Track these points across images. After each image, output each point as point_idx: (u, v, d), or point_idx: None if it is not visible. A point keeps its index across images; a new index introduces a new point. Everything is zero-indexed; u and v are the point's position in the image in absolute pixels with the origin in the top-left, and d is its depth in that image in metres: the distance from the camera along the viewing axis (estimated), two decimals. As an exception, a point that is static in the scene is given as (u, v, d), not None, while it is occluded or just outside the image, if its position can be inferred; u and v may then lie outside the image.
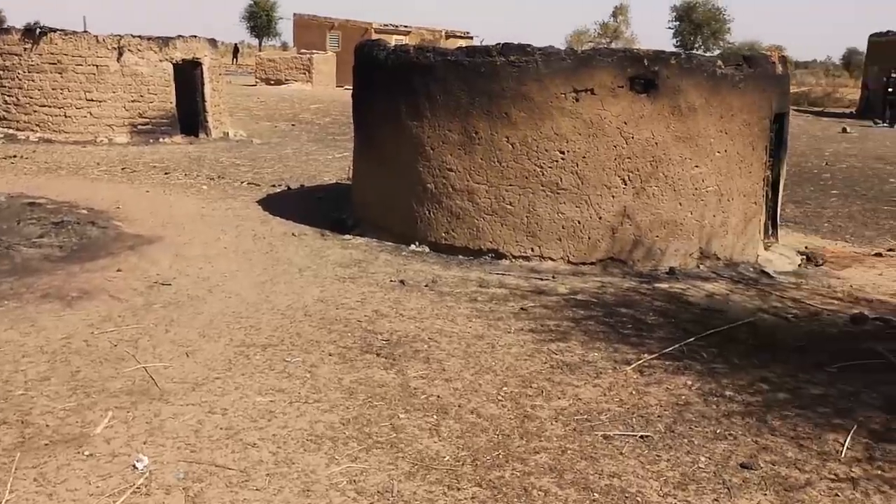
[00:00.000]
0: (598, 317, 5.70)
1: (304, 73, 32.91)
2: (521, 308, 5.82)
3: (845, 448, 3.82)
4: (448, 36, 38.41)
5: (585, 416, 4.09)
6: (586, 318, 5.64)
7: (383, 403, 4.16)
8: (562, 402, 4.25)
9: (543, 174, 6.92)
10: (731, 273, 7.18)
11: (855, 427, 4.03)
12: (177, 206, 9.39)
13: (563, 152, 6.87)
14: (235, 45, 64.56)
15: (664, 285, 6.63)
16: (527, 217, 6.99)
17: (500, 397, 4.29)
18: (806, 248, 8.77)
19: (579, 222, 6.95)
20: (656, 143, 6.88)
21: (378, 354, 4.83)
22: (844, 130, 22.53)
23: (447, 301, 5.95)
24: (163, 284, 6.11)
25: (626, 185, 6.92)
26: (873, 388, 4.56)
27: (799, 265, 7.87)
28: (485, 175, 7.04)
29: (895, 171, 15.22)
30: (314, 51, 35.22)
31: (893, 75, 24.96)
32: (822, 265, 7.92)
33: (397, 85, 7.42)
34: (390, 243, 7.61)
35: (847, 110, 33.08)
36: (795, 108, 30.01)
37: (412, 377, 4.51)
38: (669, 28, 67.31)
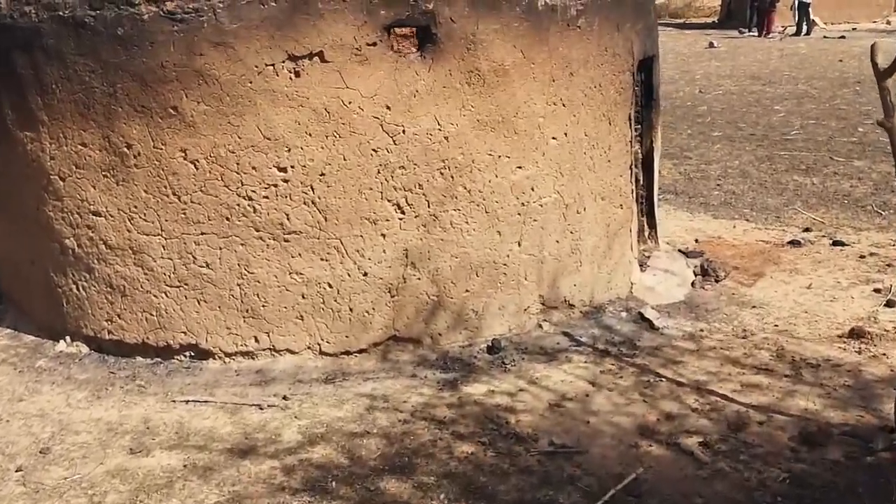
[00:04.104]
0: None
1: None
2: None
3: None
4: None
5: None
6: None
7: None
8: None
9: (256, 210, 3.90)
10: (594, 331, 4.43)
11: None
12: None
13: (283, 169, 3.87)
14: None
15: (479, 388, 3.81)
16: (239, 285, 3.99)
17: None
18: (697, 242, 6.15)
19: (330, 285, 4.01)
20: (447, 138, 3.96)
21: None
22: (711, 45, 20.36)
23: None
24: None
25: (403, 213, 4.00)
26: None
27: (693, 284, 5.23)
28: (156, 219, 3.96)
29: (776, 94, 12.97)
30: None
31: (758, -21, 22.89)
32: (724, 279, 5.30)
33: (-7, 67, 4.17)
34: (32, 338, 4.47)
35: (709, 20, 31.29)
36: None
37: None
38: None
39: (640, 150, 5.40)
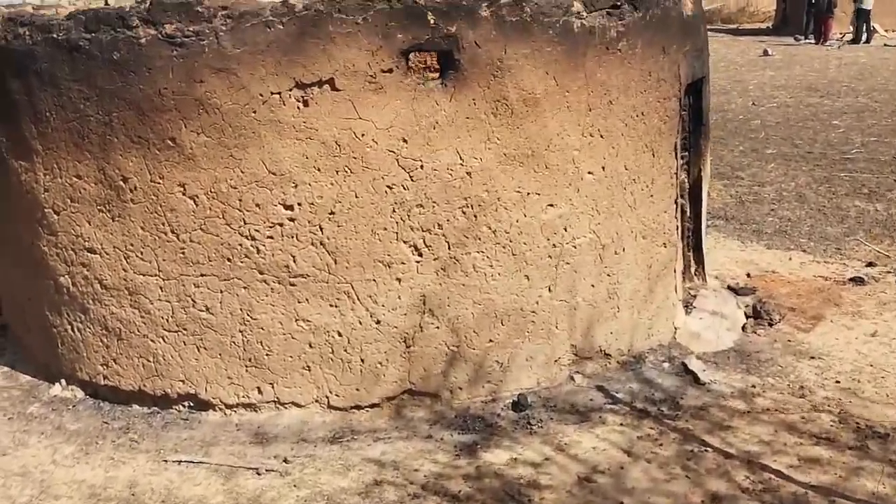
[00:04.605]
0: None
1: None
2: None
3: None
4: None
5: None
6: None
7: None
8: None
9: (260, 251, 3.57)
10: (632, 385, 4.00)
11: None
12: None
13: (289, 207, 3.52)
14: None
15: (501, 455, 3.42)
16: (241, 331, 3.66)
17: None
18: (748, 276, 5.67)
19: (340, 333, 3.65)
20: (469, 173, 3.58)
21: None
22: (766, 53, 19.62)
23: None
24: None
25: (420, 256, 3.62)
26: None
27: (744, 328, 4.76)
28: (153, 258, 3.65)
29: (835, 108, 12.31)
30: None
31: (816, -15, 22.02)
32: (778, 322, 4.83)
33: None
34: (28, 378, 4.20)
35: (763, 25, 30.39)
36: (709, 27, 27.15)
37: None
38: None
39: (686, 180, 4.96)
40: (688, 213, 4.98)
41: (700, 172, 4.95)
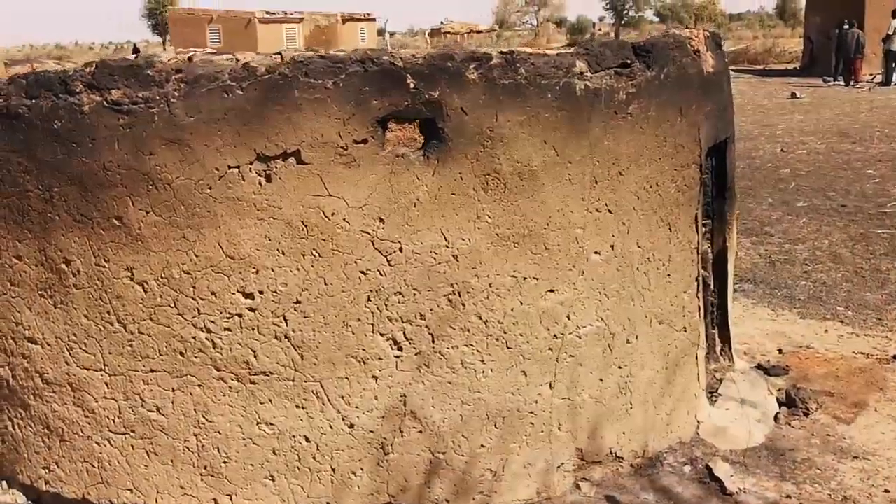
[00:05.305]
0: None
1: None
2: None
3: None
4: (345, 20, 34.01)
5: None
6: None
7: None
8: None
9: (216, 344, 3.12)
10: (647, 496, 3.48)
11: None
12: None
13: (249, 295, 3.08)
14: (135, 44, 60.14)
15: (490, 591, 2.91)
16: (195, 435, 3.20)
17: None
18: (780, 353, 5.14)
19: (308, 439, 3.18)
20: (456, 256, 3.12)
21: None
22: (794, 96, 19.13)
23: None
24: None
25: (400, 350, 3.16)
26: None
27: (776, 418, 4.23)
28: (98, 351, 3.22)
29: (868, 155, 11.77)
30: (193, 48, 30.81)
31: (845, 27, 21.52)
32: (815, 411, 4.29)
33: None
34: (-30, 477, 3.77)
35: (790, 66, 29.99)
36: (735, 68, 26.73)
37: None
38: (597, -10, 64.00)
39: (709, 250, 4.47)
40: (711, 287, 4.49)
41: (725, 242, 4.47)
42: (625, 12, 64.01)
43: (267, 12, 31.36)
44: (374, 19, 37.05)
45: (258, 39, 31.01)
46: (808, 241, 7.57)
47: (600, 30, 70.26)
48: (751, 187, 9.84)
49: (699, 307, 4.00)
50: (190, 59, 2.96)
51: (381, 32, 42.49)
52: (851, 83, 21.25)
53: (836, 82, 21.88)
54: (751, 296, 6.21)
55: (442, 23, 75.07)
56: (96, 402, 3.27)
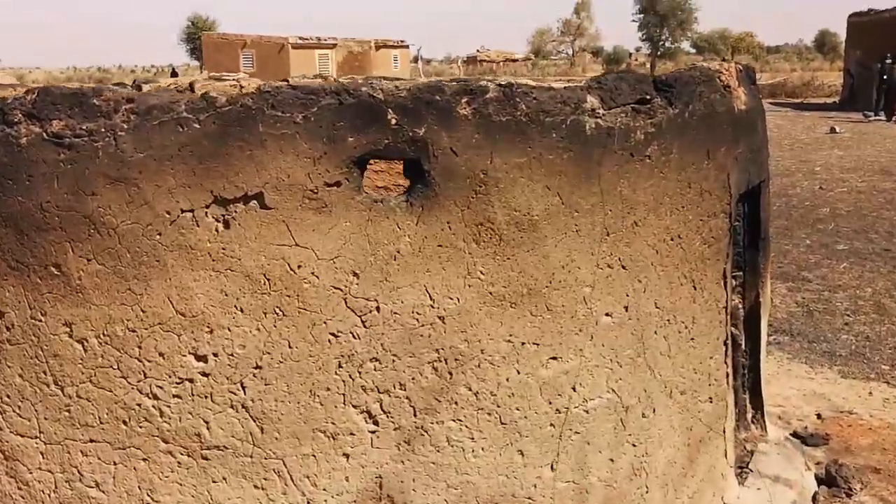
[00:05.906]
0: None
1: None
2: None
3: None
4: (379, 46, 34.00)
5: None
6: None
7: None
8: None
9: (164, 413, 2.72)
10: None
11: None
12: None
13: (202, 358, 2.68)
14: (174, 68, 61.10)
15: None
16: (141, 517, 2.78)
17: None
18: (819, 419, 4.63)
19: (267, 526, 2.75)
20: (442, 318, 2.70)
21: None
22: (833, 131, 18.51)
23: None
24: None
25: (376, 424, 2.73)
26: None
27: (814, 499, 3.73)
28: (33, 415, 2.83)
29: (914, 195, 11.16)
30: (226, 73, 30.92)
31: (888, 61, 20.84)
32: (859, 492, 3.77)
33: None
34: None
35: (829, 100, 29.32)
36: (772, 101, 26.16)
37: None
38: (634, 21, 63.67)
39: (740, 305, 4.00)
40: (742, 347, 4.00)
41: (758, 297, 3.99)
42: (661, 43, 63.54)
43: (300, 38, 31.37)
44: (407, 46, 37.00)
45: (291, 65, 31.10)
46: (849, 289, 7.02)
47: (636, 60, 69.94)
48: (787, 227, 9.31)
49: (728, 373, 3.52)
50: (139, 87, 2.58)
51: (415, 59, 42.48)
52: (894, 119, 20.54)
53: (878, 117, 21.19)
54: (786, 349, 5.70)
55: (478, 51, 75.21)
56: (30, 473, 2.87)
